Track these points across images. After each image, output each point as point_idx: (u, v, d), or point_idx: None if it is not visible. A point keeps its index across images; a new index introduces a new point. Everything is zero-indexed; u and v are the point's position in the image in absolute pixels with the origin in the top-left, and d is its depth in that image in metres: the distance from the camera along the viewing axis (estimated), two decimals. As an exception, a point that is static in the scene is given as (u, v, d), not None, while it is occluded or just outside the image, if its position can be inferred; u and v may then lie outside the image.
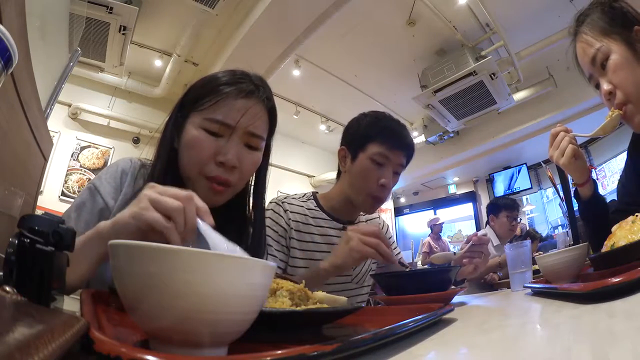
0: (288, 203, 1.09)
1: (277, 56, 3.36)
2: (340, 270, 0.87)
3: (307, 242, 1.06)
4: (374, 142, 1.03)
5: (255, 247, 0.78)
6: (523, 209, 5.66)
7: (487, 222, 2.61)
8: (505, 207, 2.49)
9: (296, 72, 3.94)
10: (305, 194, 1.19)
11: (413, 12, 3.33)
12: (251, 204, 0.81)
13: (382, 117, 1.10)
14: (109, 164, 4.35)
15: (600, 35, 0.79)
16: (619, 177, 1.01)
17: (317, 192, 1.21)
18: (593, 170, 0.92)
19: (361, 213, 1.20)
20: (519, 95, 4.16)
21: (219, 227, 0.77)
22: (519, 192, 5.90)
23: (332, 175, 5.90)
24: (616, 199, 0.99)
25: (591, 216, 0.94)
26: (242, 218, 0.80)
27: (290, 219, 1.06)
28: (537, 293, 0.68)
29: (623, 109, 0.78)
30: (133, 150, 4.43)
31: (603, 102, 0.83)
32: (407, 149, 1.06)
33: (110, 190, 0.71)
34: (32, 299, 0.27)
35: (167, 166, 0.69)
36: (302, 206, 1.10)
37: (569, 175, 0.94)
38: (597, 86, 0.84)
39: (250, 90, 0.70)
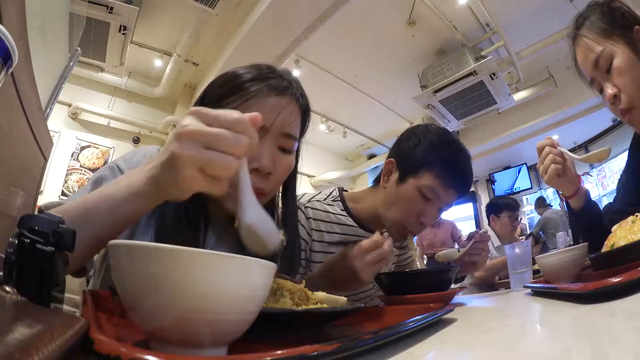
0: (312, 208, 0.95)
1: (277, 56, 3.36)
2: None
3: (331, 253, 0.92)
4: (429, 171, 0.88)
5: (290, 261, 0.69)
6: (523, 209, 5.66)
7: (488, 223, 2.60)
8: (506, 206, 2.46)
9: (296, 72, 3.93)
10: (330, 193, 1.03)
11: (413, 12, 3.33)
12: (280, 213, 0.70)
13: (448, 142, 0.93)
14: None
15: (602, 38, 0.77)
16: (619, 177, 1.00)
17: (345, 190, 1.06)
18: (582, 179, 0.88)
19: None
20: (519, 95, 4.15)
21: (238, 241, 0.70)
22: (519, 192, 5.89)
23: (333, 175, 5.87)
24: (616, 199, 0.98)
25: (583, 228, 0.90)
26: None
27: (312, 228, 0.93)
28: (537, 293, 0.68)
29: (627, 115, 0.76)
30: (133, 150, 4.42)
31: (607, 106, 0.80)
32: (463, 192, 0.92)
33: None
34: (32, 299, 0.27)
35: None
36: (328, 211, 0.97)
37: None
38: (600, 90, 0.81)
39: (284, 87, 0.63)
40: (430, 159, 0.89)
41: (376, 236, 0.73)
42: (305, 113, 0.68)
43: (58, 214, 0.42)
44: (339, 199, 1.01)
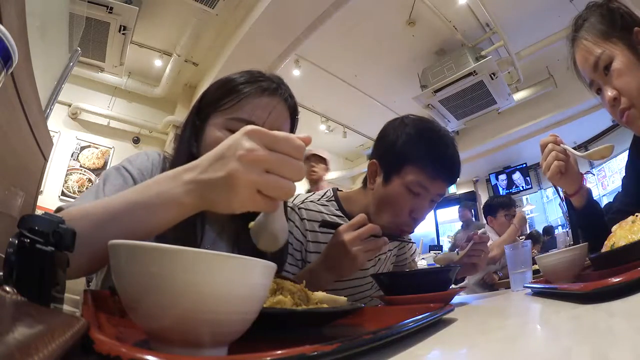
0: (305, 209, 0.93)
1: (277, 56, 3.36)
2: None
3: None
4: (412, 166, 0.84)
5: (277, 256, 0.71)
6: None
7: (487, 223, 2.60)
8: (501, 205, 2.47)
9: (296, 72, 3.93)
10: (325, 193, 1.02)
11: (413, 12, 3.33)
12: None
13: (425, 131, 0.89)
14: (109, 164, 4.34)
15: (601, 40, 0.76)
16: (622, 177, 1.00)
17: (339, 190, 1.04)
18: (585, 177, 0.88)
19: None
20: (519, 95, 4.16)
21: (236, 237, 0.73)
22: (519, 192, 5.90)
23: (332, 175, 5.89)
24: (616, 198, 0.98)
25: (583, 227, 0.89)
26: None
27: (307, 229, 0.91)
28: (537, 293, 0.68)
29: (626, 113, 0.75)
30: (133, 150, 4.43)
31: (606, 108, 0.79)
32: (451, 180, 0.89)
33: (137, 173, 0.66)
34: (32, 299, 0.27)
35: None
36: (322, 211, 0.94)
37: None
38: (598, 91, 0.81)
39: (273, 88, 0.69)
40: (411, 153, 0.85)
41: (363, 215, 0.75)
42: (293, 112, 0.74)
43: (78, 213, 0.43)
44: (333, 199, 1.00)
